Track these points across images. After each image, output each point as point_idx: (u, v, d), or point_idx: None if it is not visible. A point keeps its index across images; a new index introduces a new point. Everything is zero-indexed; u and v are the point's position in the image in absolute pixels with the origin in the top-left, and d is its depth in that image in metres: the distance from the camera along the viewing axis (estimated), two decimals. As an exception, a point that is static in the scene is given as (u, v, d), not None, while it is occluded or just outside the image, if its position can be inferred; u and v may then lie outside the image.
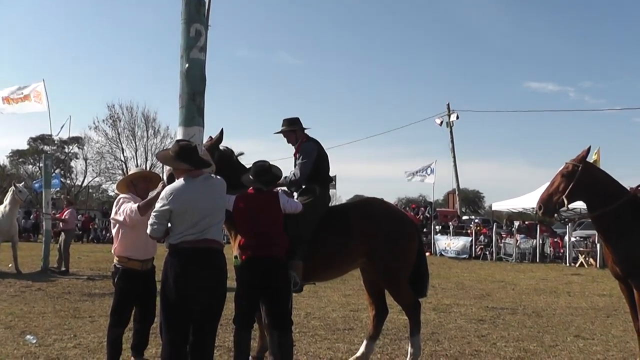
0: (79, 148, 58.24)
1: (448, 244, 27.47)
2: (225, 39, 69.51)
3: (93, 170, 57.63)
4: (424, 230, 28.63)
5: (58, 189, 38.33)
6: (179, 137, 5.57)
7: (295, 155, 6.57)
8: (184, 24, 5.66)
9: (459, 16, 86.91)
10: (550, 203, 6.43)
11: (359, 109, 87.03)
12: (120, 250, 6.02)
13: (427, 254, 19.12)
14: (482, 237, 27.19)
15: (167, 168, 5.62)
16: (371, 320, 6.80)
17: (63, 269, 15.82)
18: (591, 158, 6.95)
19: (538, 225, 26.40)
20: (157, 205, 4.94)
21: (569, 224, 22.25)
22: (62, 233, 16.75)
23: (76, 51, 78.16)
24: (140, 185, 6.10)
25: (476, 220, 32.29)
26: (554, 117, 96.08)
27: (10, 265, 15.61)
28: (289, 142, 6.67)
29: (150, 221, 4.97)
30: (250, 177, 5.66)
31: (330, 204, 6.91)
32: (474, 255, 26.12)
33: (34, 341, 7.39)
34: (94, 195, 63.86)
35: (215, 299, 5.05)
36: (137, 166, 52.66)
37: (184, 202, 4.87)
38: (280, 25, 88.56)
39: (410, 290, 6.53)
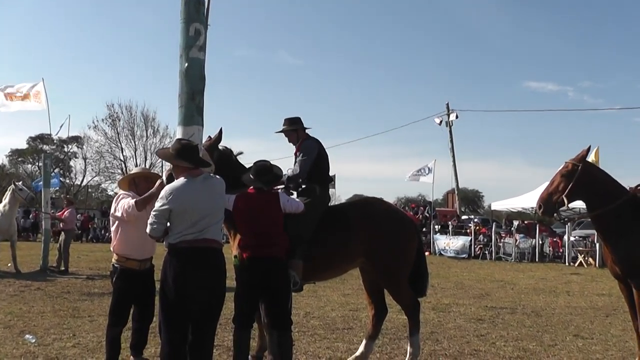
0: (78, 147, 58.28)
1: (447, 243, 27.49)
2: (224, 38, 69.50)
3: (92, 169, 57.72)
4: (424, 229, 28.66)
5: (57, 188, 38.34)
6: (178, 136, 5.57)
7: (295, 154, 6.57)
8: (183, 23, 5.65)
9: (458, 16, 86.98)
10: (549, 202, 6.43)
11: (358, 108, 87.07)
12: (118, 247, 6.02)
13: (427, 253, 19.10)
14: (481, 237, 27.21)
15: (166, 168, 5.62)
16: (370, 320, 6.80)
17: (62, 268, 15.83)
18: (590, 157, 6.94)
19: (537, 225, 26.41)
20: (157, 204, 4.94)
21: (569, 224, 22.28)
22: (62, 232, 16.76)
23: (75, 50, 78.22)
24: (141, 184, 6.10)
25: (475, 220, 32.29)
26: (553, 116, 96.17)
27: (9, 264, 15.61)
28: (290, 141, 6.66)
29: (149, 220, 4.97)
30: (251, 176, 5.66)
31: (329, 204, 6.91)
32: (473, 254, 26.14)
33: (33, 340, 7.38)
34: (93, 194, 63.86)
35: (215, 299, 5.04)
36: (136, 165, 52.64)
37: (184, 201, 4.87)
38: (280, 24, 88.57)
39: (410, 289, 6.53)
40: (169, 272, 4.91)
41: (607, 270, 7.06)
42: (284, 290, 5.61)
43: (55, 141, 53.91)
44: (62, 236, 16.53)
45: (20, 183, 16.57)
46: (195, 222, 4.88)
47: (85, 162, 57.80)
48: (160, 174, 6.17)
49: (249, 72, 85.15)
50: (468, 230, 28.36)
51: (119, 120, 54.75)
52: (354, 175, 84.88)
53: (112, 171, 55.89)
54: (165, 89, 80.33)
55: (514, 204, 28.71)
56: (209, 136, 6.34)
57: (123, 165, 54.84)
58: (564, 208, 6.62)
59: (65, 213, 16.80)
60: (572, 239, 24.35)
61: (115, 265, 6.07)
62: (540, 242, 25.38)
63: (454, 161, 38.76)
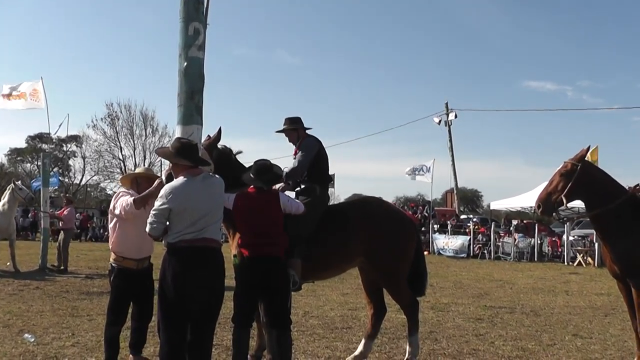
0: (77, 146, 58.27)
1: (446, 243, 27.50)
2: (224, 37, 69.41)
3: (91, 168, 57.69)
4: (422, 229, 28.64)
5: (56, 187, 38.34)
6: (178, 135, 5.57)
7: (295, 153, 6.57)
8: (183, 23, 5.65)
9: (457, 15, 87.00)
10: (548, 202, 6.43)
11: (357, 108, 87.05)
12: (115, 246, 6.04)
13: (426, 253, 19.20)
14: (480, 236, 27.23)
15: (165, 168, 5.62)
16: (369, 319, 6.81)
17: (62, 267, 15.82)
18: (589, 157, 6.94)
19: (536, 224, 26.43)
20: (157, 203, 4.94)
21: (567, 223, 22.30)
22: (61, 232, 16.75)
23: (75, 50, 78.18)
24: (143, 184, 6.09)
25: (474, 220, 32.28)
26: (552, 116, 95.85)
27: (8, 263, 15.61)
28: (290, 141, 6.66)
29: (149, 220, 4.96)
30: (251, 175, 5.65)
31: (328, 203, 6.91)
32: (472, 254, 26.15)
33: (32, 340, 7.38)
34: (92, 193, 63.83)
35: (214, 298, 5.05)
36: (135, 165, 52.68)
37: (183, 201, 4.87)
38: (279, 24, 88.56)
39: (409, 289, 6.54)
40: (168, 271, 4.91)
41: (606, 270, 7.07)
42: (283, 289, 5.61)
43: (54, 140, 53.88)
44: (62, 235, 16.53)
45: (19, 182, 16.55)
46: (194, 221, 4.89)
47: (84, 161, 57.85)
48: (160, 174, 6.18)
49: (248, 72, 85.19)
50: (467, 230, 28.35)
51: (118, 119, 54.79)
52: (353, 174, 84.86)
53: (111, 170, 55.95)
54: (164, 88, 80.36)
55: (513, 203, 28.74)
56: (208, 135, 6.34)
57: (122, 164, 54.90)
58: (563, 208, 6.62)
59: (64, 212, 16.81)
60: (571, 238, 24.37)
61: (113, 264, 6.08)
62: (539, 241, 25.41)
63: (453, 160, 38.78)
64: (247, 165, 6.25)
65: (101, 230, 36.07)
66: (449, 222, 30.96)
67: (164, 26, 74.56)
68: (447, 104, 38.89)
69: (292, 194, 6.46)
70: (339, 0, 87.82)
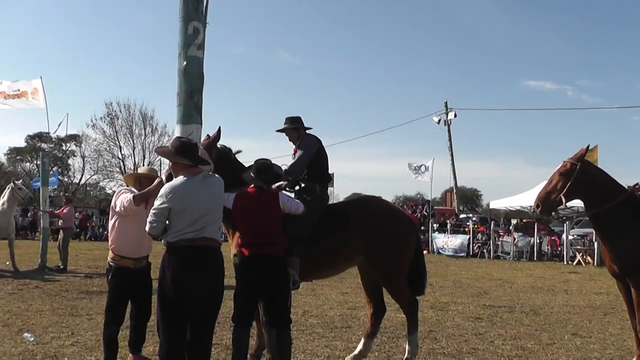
0: (76, 146, 58.17)
1: (446, 242, 27.52)
2: (223, 37, 69.31)
3: (91, 168, 57.60)
4: (422, 228, 28.66)
5: (55, 186, 38.32)
6: (177, 135, 5.57)
7: (294, 152, 6.57)
8: (182, 22, 5.65)
9: (457, 15, 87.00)
10: (548, 201, 6.44)
11: (357, 107, 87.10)
12: (114, 244, 6.03)
13: (425, 252, 19.22)
14: (479, 235, 27.24)
15: (165, 168, 5.62)
16: (369, 318, 6.81)
17: (61, 266, 15.82)
18: (589, 156, 6.94)
19: (536, 224, 26.45)
20: (156, 202, 4.94)
21: (567, 222, 22.32)
22: (61, 231, 16.74)
23: (74, 49, 78.11)
24: (145, 185, 6.08)
25: (474, 219, 32.29)
26: (551, 115, 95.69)
27: (7, 262, 15.59)
28: (290, 140, 6.66)
29: (149, 219, 4.97)
30: (252, 174, 5.65)
31: (328, 203, 6.91)
32: (471, 253, 26.17)
33: (32, 339, 7.38)
34: (92, 193, 63.78)
35: (213, 297, 5.05)
36: (135, 164, 52.73)
37: (183, 200, 4.87)
38: (278, 23, 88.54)
39: (408, 288, 6.54)
40: (167, 271, 4.91)
41: (606, 269, 7.07)
42: (283, 289, 5.61)
43: (53, 140, 53.81)
44: (61, 234, 16.53)
45: (19, 182, 16.54)
46: (194, 220, 4.89)
47: (83, 160, 57.77)
48: (160, 174, 6.18)
49: (248, 71, 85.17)
50: (466, 229, 28.37)
51: (118, 118, 54.65)
52: (353, 173, 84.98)
53: (111, 170, 55.86)
54: (163, 87, 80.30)
55: (513, 202, 28.72)
56: (208, 135, 6.34)
57: (121, 163, 54.82)
58: (562, 207, 6.63)
59: (63, 211, 16.81)
60: (570, 237, 24.40)
61: (111, 263, 6.08)
62: (539, 240, 25.42)
63: (452, 160, 38.77)
64: (246, 165, 6.25)
65: (100, 230, 36.07)
66: (448, 221, 30.98)
67: (164, 25, 74.57)
68: (446, 103, 38.92)
69: (291, 193, 6.46)
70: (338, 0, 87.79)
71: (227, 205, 5.46)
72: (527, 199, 24.96)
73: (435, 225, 30.22)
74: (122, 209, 5.84)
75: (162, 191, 4.96)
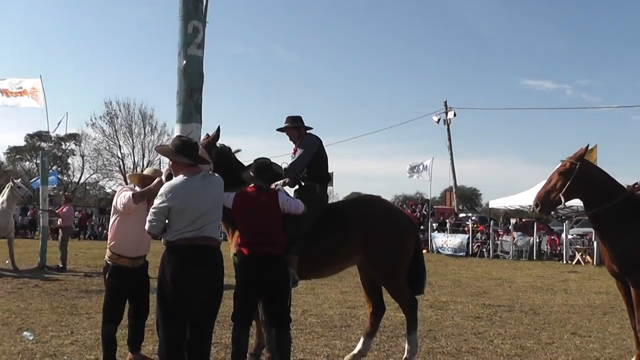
0: (76, 145, 58.09)
1: (445, 241, 27.52)
2: (223, 36, 69.26)
3: (90, 167, 57.52)
4: (421, 227, 28.67)
5: (55, 185, 38.30)
6: (177, 134, 5.57)
7: (295, 151, 6.57)
8: (182, 21, 5.65)
9: (457, 13, 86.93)
10: (547, 201, 6.44)
11: (356, 106, 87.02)
12: (113, 242, 6.03)
13: (424, 251, 19.22)
14: (479, 235, 27.24)
15: (165, 168, 5.63)
16: (368, 318, 6.81)
17: (60, 265, 15.82)
18: (588, 156, 6.95)
19: (535, 223, 26.45)
20: (156, 201, 4.94)
21: (566, 222, 22.33)
22: (60, 230, 16.72)
23: (74, 48, 78.10)
24: (147, 185, 6.09)
25: (473, 218, 32.28)
26: (551, 114, 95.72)
27: (7, 262, 15.59)
28: (291, 139, 6.66)
29: (148, 218, 4.97)
30: (251, 174, 5.64)
31: (327, 202, 6.91)
32: (471, 252, 26.17)
33: (31, 338, 7.38)
34: (91, 192, 63.73)
35: (213, 296, 5.05)
36: (134, 163, 52.77)
37: (183, 199, 4.87)
38: (277, 22, 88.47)
39: (408, 287, 6.54)
40: (167, 270, 4.91)
41: (605, 269, 7.08)
42: (283, 289, 5.61)
43: (53, 138, 53.74)
44: (60, 233, 16.51)
45: (19, 181, 16.53)
46: (193, 220, 4.89)
47: (83, 159, 57.66)
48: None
49: (247, 70, 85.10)
50: (466, 228, 28.35)
51: (117, 117, 54.57)
52: (352, 173, 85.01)
53: (110, 169, 55.79)
54: (163, 86, 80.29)
55: (512, 202, 28.71)
56: (207, 134, 6.33)
57: (121, 162, 54.77)
58: (562, 206, 6.63)
59: (62, 210, 16.82)
60: (569, 237, 24.40)
61: (108, 262, 6.08)
62: (538, 240, 25.42)
63: (451, 159, 38.76)
64: (246, 164, 6.25)
65: (100, 229, 36.05)
66: (447, 220, 30.98)
67: (163, 24, 74.54)
68: (446, 102, 38.88)
69: (291, 193, 6.46)
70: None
71: (227, 204, 5.46)
72: (526, 199, 24.94)
73: (434, 224, 30.22)
74: (122, 206, 5.86)
75: (161, 190, 4.96)
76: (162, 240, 5.05)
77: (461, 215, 36.89)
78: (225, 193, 5.31)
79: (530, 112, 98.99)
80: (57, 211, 17.29)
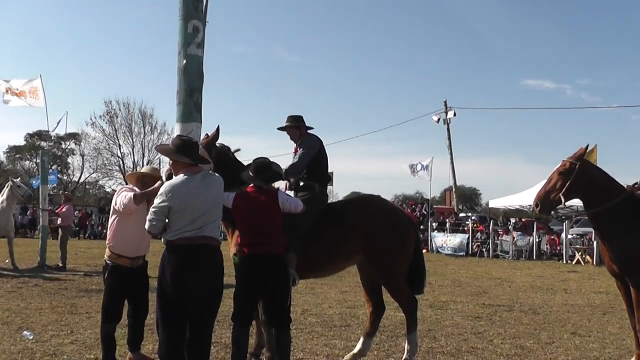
0: (75, 144, 58.14)
1: (445, 241, 27.54)
2: (223, 35, 69.27)
3: (90, 166, 57.53)
4: (421, 227, 28.68)
5: (55, 185, 38.30)
6: (177, 133, 5.57)
7: (295, 151, 6.57)
8: (182, 21, 5.66)
9: (456, 13, 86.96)
10: (546, 201, 6.44)
11: (355, 106, 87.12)
12: (112, 242, 6.02)
13: (424, 251, 19.21)
14: (478, 235, 27.24)
15: (165, 167, 5.62)
16: (368, 317, 6.81)
17: (60, 264, 15.82)
18: (588, 156, 6.96)
19: (535, 223, 26.45)
20: (156, 201, 4.94)
21: (566, 222, 22.33)
22: (60, 229, 16.71)
23: (74, 47, 78.12)
24: (149, 184, 6.06)
25: (473, 218, 32.30)
26: (551, 114, 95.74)
27: (7, 261, 15.58)
28: (292, 139, 6.66)
29: (148, 217, 4.97)
30: (250, 173, 5.64)
31: (327, 202, 6.91)
32: (470, 252, 26.19)
33: (31, 337, 7.38)
34: (91, 191, 63.72)
35: (213, 296, 5.05)
36: (134, 163, 52.74)
37: (183, 199, 4.87)
38: (277, 22, 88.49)
39: (407, 287, 6.54)
40: (167, 269, 4.91)
41: (605, 268, 7.08)
42: (283, 288, 5.60)
43: (52, 138, 53.76)
44: (60, 233, 16.50)
45: (18, 180, 16.53)
46: (193, 219, 4.89)
47: (82, 158, 57.68)
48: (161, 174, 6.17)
49: (247, 70, 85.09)
50: (465, 228, 28.37)
51: (117, 117, 54.61)
52: (352, 172, 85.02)
53: (110, 168, 55.83)
54: (163, 86, 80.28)
55: (512, 201, 28.73)
56: (206, 134, 6.33)
57: (121, 162, 54.79)
58: (561, 206, 6.63)
59: (62, 209, 16.82)
60: (569, 236, 24.41)
61: (107, 261, 6.07)
62: (538, 239, 25.43)
63: (451, 159, 38.80)
64: (245, 164, 6.25)
65: (100, 228, 36.07)
66: (447, 220, 31.00)
67: (163, 24, 74.57)
68: (446, 102, 38.91)
69: (291, 193, 6.46)
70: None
71: (227, 204, 5.46)
72: (526, 198, 24.96)
73: (434, 224, 30.24)
74: (122, 206, 5.84)
75: (162, 189, 4.96)
76: (162, 239, 5.05)
77: (461, 215, 36.89)
78: (225, 193, 5.31)
79: (530, 112, 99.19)
80: (56, 210, 17.29)
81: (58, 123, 19.99)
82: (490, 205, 33.66)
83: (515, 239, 25.38)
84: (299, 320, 8.78)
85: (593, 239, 21.92)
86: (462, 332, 8.47)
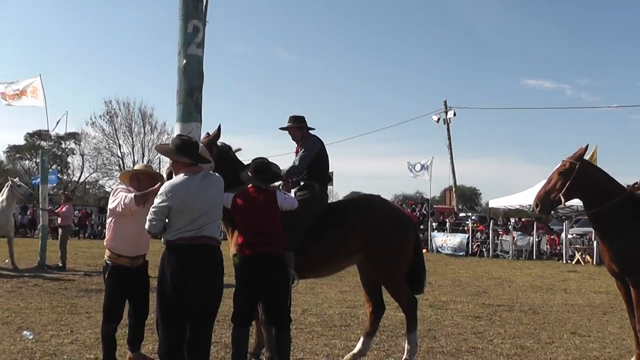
0: (75, 144, 58.16)
1: (445, 241, 27.54)
2: (223, 35, 69.29)
3: (90, 166, 57.58)
4: (421, 227, 28.67)
5: (55, 184, 38.27)
6: (177, 133, 5.57)
7: (297, 151, 6.57)
8: (182, 20, 5.66)
9: (456, 13, 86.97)
10: (546, 201, 6.44)
11: (355, 106, 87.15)
12: (111, 243, 6.01)
13: (424, 251, 19.20)
14: (478, 234, 27.24)
15: (166, 166, 5.62)
16: (368, 317, 6.81)
17: (60, 264, 15.82)
18: (588, 156, 6.96)
19: (535, 223, 26.44)
20: (156, 201, 4.94)
21: (566, 221, 22.33)
22: (60, 229, 16.70)
23: (74, 47, 78.12)
24: (144, 182, 6.06)
25: (473, 218, 32.30)
26: (551, 114, 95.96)
27: (7, 260, 15.58)
28: (293, 139, 6.66)
29: (148, 217, 4.97)
30: (249, 174, 5.64)
31: (327, 202, 6.90)
32: (470, 252, 26.18)
33: (31, 337, 7.38)
34: (91, 191, 63.73)
35: (213, 296, 5.05)
36: (134, 162, 52.62)
37: (183, 199, 4.87)
38: (277, 22, 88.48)
39: (407, 287, 6.54)
40: (167, 269, 4.91)
41: (605, 268, 7.08)
42: (283, 288, 5.60)
43: (52, 137, 53.75)
44: (60, 232, 16.49)
45: (17, 179, 16.52)
46: (193, 219, 4.89)
47: (82, 158, 57.72)
48: (159, 172, 6.17)
49: (247, 70, 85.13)
50: (465, 228, 28.37)
51: (117, 116, 54.65)
52: (351, 172, 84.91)
53: (110, 168, 55.86)
54: (163, 85, 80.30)
55: (512, 201, 28.72)
56: (207, 132, 6.33)
57: (121, 161, 54.82)
58: (561, 206, 6.63)
59: (62, 209, 16.82)
60: (569, 236, 24.41)
61: (107, 262, 6.06)
62: (538, 239, 25.42)
63: (451, 158, 38.81)
64: (246, 164, 6.24)
65: (99, 228, 36.06)
66: (447, 220, 30.99)
67: (163, 24, 74.60)
68: (445, 102, 38.92)
69: (291, 193, 6.46)
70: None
71: (226, 204, 5.46)
72: (526, 198, 24.96)
73: (434, 224, 30.24)
74: (122, 207, 5.81)
75: (162, 189, 4.96)
76: (162, 239, 5.05)
77: (461, 214, 36.91)
78: (225, 193, 5.31)
79: (530, 111, 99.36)
80: (56, 210, 17.29)
81: (57, 122, 20.04)
82: (490, 205, 33.67)
83: (515, 238, 25.38)
84: (299, 320, 8.78)
85: (593, 238, 21.92)
86: (462, 332, 8.47)
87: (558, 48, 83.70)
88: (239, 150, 6.58)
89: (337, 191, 50.70)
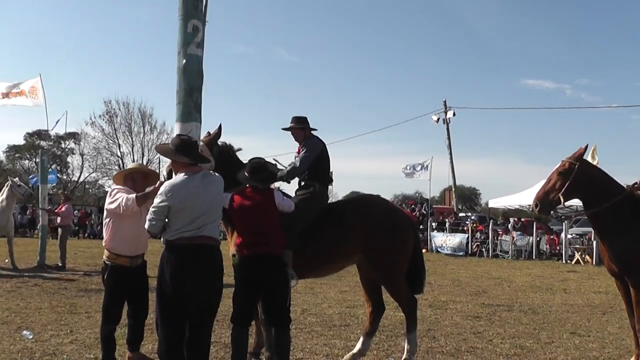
0: (75, 143, 58.18)
1: (444, 240, 27.54)
2: (222, 35, 69.28)
3: (89, 165, 57.57)
4: (421, 227, 28.68)
5: (54, 184, 38.27)
6: (176, 133, 5.57)
7: (299, 151, 6.57)
8: (182, 20, 5.66)
9: (456, 13, 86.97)
10: (546, 201, 6.44)
11: (355, 106, 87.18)
12: (110, 243, 6.00)
13: (424, 250, 19.21)
14: (478, 234, 27.25)
15: (166, 164, 5.62)
16: (368, 317, 6.81)
17: (60, 264, 15.82)
18: (588, 156, 6.96)
19: (534, 223, 26.45)
20: (156, 200, 4.94)
21: (565, 221, 22.33)
22: (59, 229, 16.70)
23: (73, 47, 78.13)
24: (139, 181, 6.07)
25: (472, 217, 32.30)
26: (550, 114, 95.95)
27: (6, 260, 15.59)
28: (295, 139, 6.66)
29: (148, 217, 4.97)
30: (246, 174, 5.63)
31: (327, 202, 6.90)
32: (470, 252, 26.19)
33: (31, 337, 7.38)
34: (91, 190, 63.74)
35: (212, 296, 5.05)
36: (134, 162, 52.59)
37: (183, 199, 4.87)
38: (277, 21, 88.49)
39: (407, 287, 6.54)
40: (166, 269, 4.91)
41: (604, 268, 7.08)
42: (282, 288, 5.59)
43: (52, 137, 53.76)
44: (60, 232, 16.49)
45: (16, 179, 16.52)
46: (193, 219, 4.89)
47: (82, 158, 57.72)
48: (158, 171, 6.17)
49: (247, 70, 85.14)
50: (465, 228, 28.39)
51: (116, 116, 54.65)
52: (351, 172, 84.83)
53: (109, 167, 55.75)
54: (163, 85, 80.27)
55: (511, 201, 28.73)
56: (208, 132, 6.33)
57: (120, 161, 54.76)
58: (561, 206, 6.63)
59: (61, 209, 16.82)
60: (569, 236, 24.40)
61: (106, 262, 6.06)
62: (537, 239, 25.42)
63: (451, 158, 38.75)
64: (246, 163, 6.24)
65: (99, 227, 35.99)
66: (447, 220, 30.99)
67: (163, 24, 74.61)
68: (445, 102, 38.86)
69: (291, 193, 6.47)
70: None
71: (225, 204, 5.45)
72: (526, 198, 24.98)
73: (434, 224, 30.25)
74: (123, 208, 5.79)
75: (162, 189, 4.96)
76: (162, 239, 5.05)
77: (460, 214, 36.88)
78: (224, 193, 5.30)
79: (530, 111, 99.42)
80: (56, 210, 17.29)
81: (57, 122, 20.00)
82: (489, 205, 33.71)
83: (515, 238, 25.38)
84: (299, 320, 8.78)
85: (592, 238, 21.92)
86: (462, 331, 8.47)
87: (558, 48, 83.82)
88: (239, 150, 6.59)
89: (337, 191, 50.77)
